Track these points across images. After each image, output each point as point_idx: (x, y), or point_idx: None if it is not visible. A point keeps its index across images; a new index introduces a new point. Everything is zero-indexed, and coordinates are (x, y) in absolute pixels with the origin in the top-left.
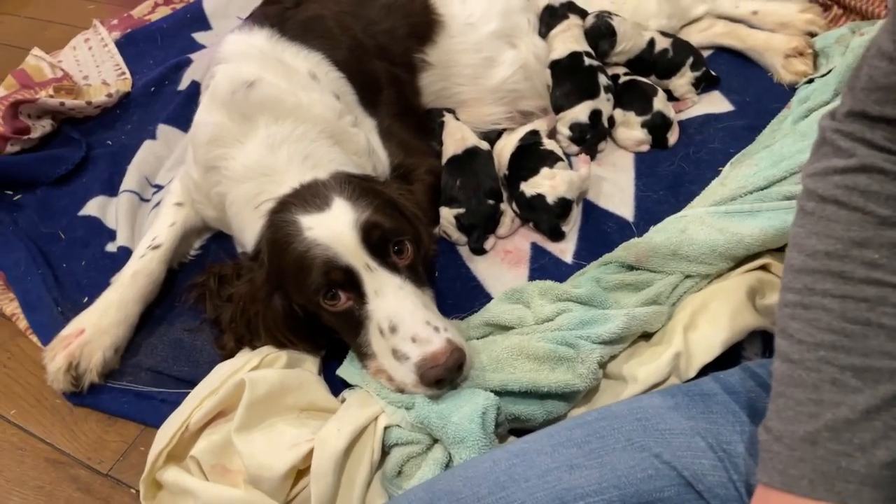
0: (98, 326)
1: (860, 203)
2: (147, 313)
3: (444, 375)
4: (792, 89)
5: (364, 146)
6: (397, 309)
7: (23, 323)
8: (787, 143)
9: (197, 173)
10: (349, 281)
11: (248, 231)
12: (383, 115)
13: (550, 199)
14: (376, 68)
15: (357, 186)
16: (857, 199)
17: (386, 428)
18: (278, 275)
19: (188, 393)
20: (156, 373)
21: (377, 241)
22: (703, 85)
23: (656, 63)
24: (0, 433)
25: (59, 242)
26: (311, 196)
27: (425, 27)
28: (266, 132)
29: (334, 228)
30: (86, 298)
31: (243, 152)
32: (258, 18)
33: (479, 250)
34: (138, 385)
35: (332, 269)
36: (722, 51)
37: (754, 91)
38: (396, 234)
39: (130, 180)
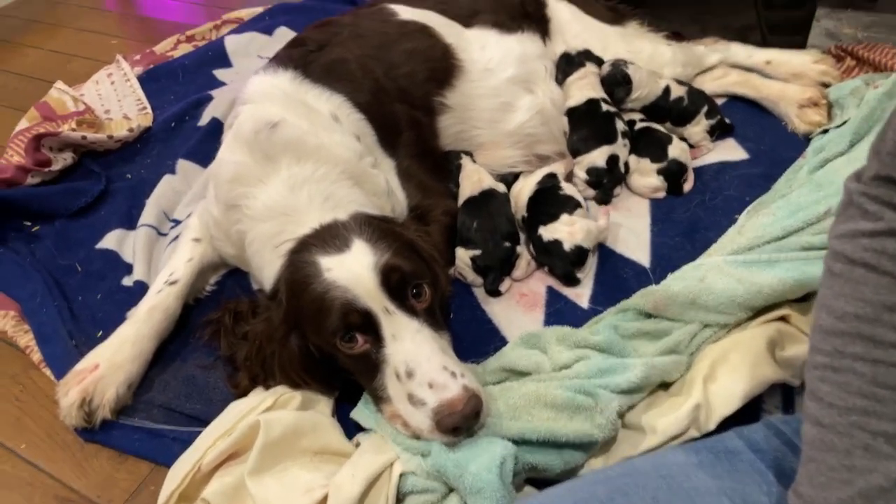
0: (113, 362)
1: (889, 267)
2: (161, 349)
3: (461, 423)
4: (806, 139)
5: (383, 187)
6: (414, 353)
7: (36, 355)
8: (804, 192)
9: (218, 211)
10: (367, 324)
11: (267, 270)
12: (402, 157)
13: (567, 246)
14: (396, 111)
15: (377, 228)
16: (886, 263)
17: (401, 475)
18: (296, 315)
19: (200, 431)
20: (168, 410)
21: (396, 285)
22: (718, 133)
23: (672, 110)
24: (10, 468)
25: (76, 275)
26: (330, 237)
27: (445, 72)
28: (288, 172)
29: (354, 270)
30: (100, 332)
31: (265, 192)
32: (282, 60)
33: (494, 292)
34: (150, 422)
35: (350, 312)
36: (736, 99)
37: (769, 140)
38: (415, 278)
39: (149, 215)
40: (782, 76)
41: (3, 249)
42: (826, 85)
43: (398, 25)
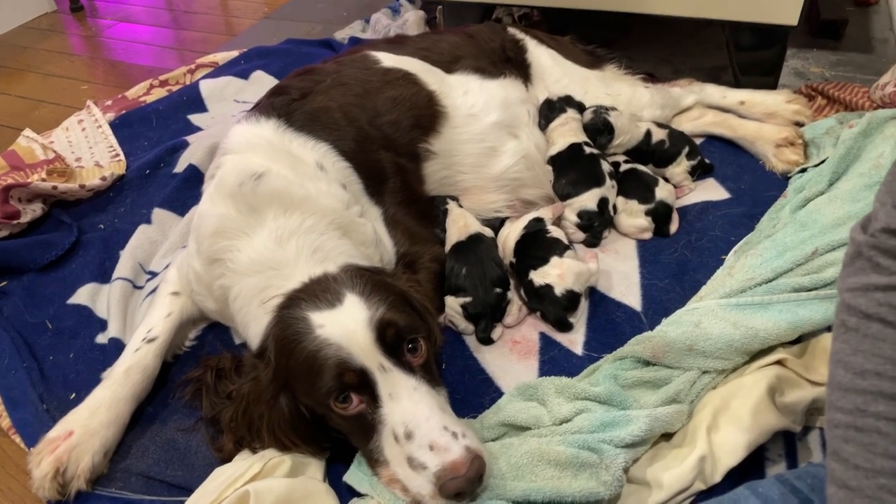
0: (87, 428)
1: None
2: (138, 411)
3: (465, 487)
4: (784, 177)
5: (371, 236)
6: (413, 413)
7: (5, 421)
8: (789, 232)
9: (199, 265)
10: (362, 383)
11: (254, 327)
12: (388, 204)
13: (558, 291)
14: (382, 158)
15: (369, 281)
16: None
17: None
18: (286, 374)
19: (183, 501)
20: (147, 478)
21: (392, 341)
22: (699, 172)
23: (654, 153)
24: None
25: (46, 333)
26: (321, 291)
27: (430, 119)
28: (274, 224)
29: (347, 327)
30: (73, 395)
31: (250, 245)
32: (265, 109)
33: (486, 340)
34: (128, 492)
35: (345, 371)
36: (713, 139)
37: (748, 179)
38: (411, 332)
39: (124, 267)
40: (757, 116)
41: None
42: (800, 124)
43: (381, 73)
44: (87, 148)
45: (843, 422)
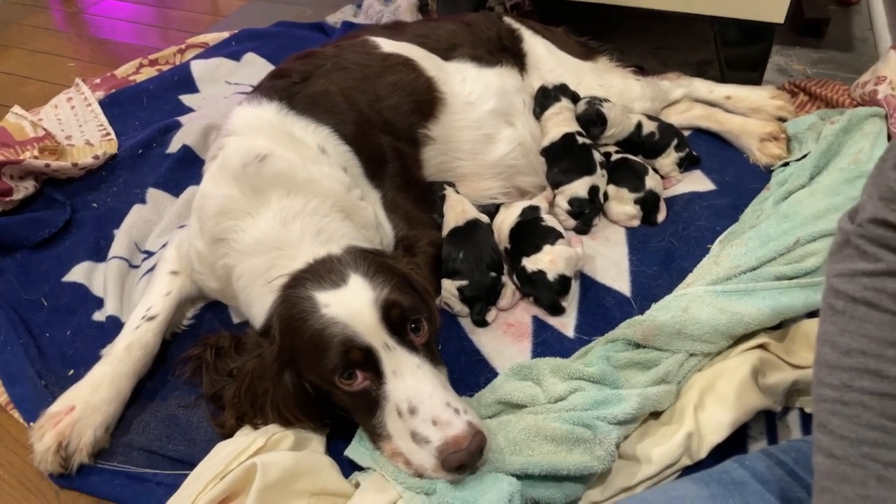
0: (89, 403)
1: (891, 306)
2: (138, 387)
3: (467, 460)
4: (767, 170)
5: (372, 219)
6: (417, 389)
7: (3, 397)
8: (772, 223)
9: (202, 244)
10: (367, 360)
11: (258, 305)
12: (387, 188)
13: (551, 276)
14: (382, 142)
15: (372, 262)
16: (887, 301)
17: None
18: (291, 352)
19: (185, 475)
20: (149, 452)
21: (396, 320)
22: (686, 164)
23: (644, 144)
24: None
25: (42, 310)
26: (326, 272)
27: (429, 104)
28: (278, 206)
29: (353, 306)
30: (71, 371)
31: (254, 226)
32: (266, 91)
33: (481, 322)
34: (130, 466)
35: (351, 349)
36: (699, 132)
37: (733, 171)
38: (414, 313)
39: (119, 246)
40: (742, 111)
41: None
42: (783, 119)
43: (381, 58)
44: (76, 126)
45: (830, 396)
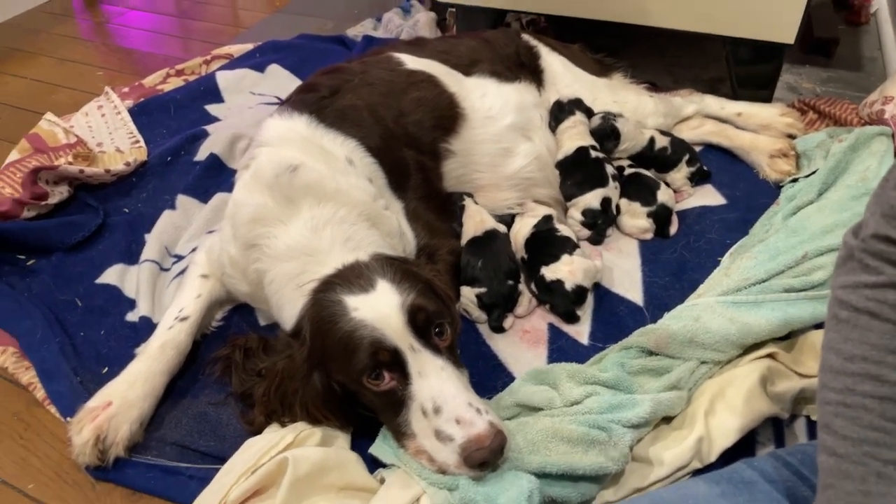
0: (125, 399)
1: (891, 315)
2: (170, 386)
3: (489, 458)
4: (777, 186)
5: (396, 228)
6: (441, 390)
7: (40, 393)
8: (781, 237)
9: (235, 249)
10: (395, 361)
11: (289, 308)
12: (410, 199)
13: (569, 286)
14: (405, 155)
15: (398, 269)
16: (888, 311)
17: None
18: (321, 353)
19: (216, 468)
20: (181, 447)
21: (421, 324)
22: (697, 179)
23: (657, 158)
24: None
25: (76, 310)
26: (354, 277)
27: (451, 120)
28: (309, 214)
29: (381, 310)
30: (105, 369)
31: (286, 233)
32: (297, 105)
33: (498, 328)
34: (164, 460)
35: (379, 350)
36: (711, 147)
37: (743, 186)
38: (438, 317)
39: (151, 250)
40: (752, 127)
41: None
42: (792, 136)
43: (406, 74)
44: (107, 133)
45: (833, 400)
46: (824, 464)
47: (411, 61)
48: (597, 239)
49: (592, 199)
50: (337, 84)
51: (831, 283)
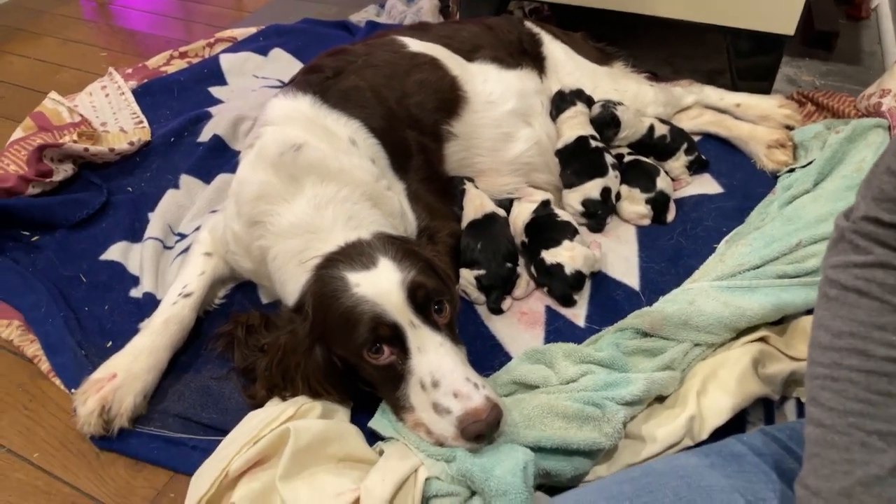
0: (130, 371)
1: (879, 293)
2: (173, 360)
3: (485, 430)
4: (774, 176)
5: (397, 209)
6: (439, 364)
7: (45, 365)
8: (777, 225)
9: (239, 226)
10: (394, 336)
11: (291, 284)
12: (411, 180)
13: (568, 270)
14: (407, 137)
15: (399, 247)
16: (876, 290)
17: (426, 479)
18: (322, 327)
19: (219, 440)
20: (184, 419)
21: (421, 301)
22: (695, 168)
23: (656, 146)
24: (23, 476)
25: (80, 286)
26: (356, 254)
27: (452, 102)
28: (312, 192)
29: (381, 286)
30: (109, 343)
31: (290, 210)
32: (301, 85)
33: (496, 310)
34: (167, 431)
35: (379, 325)
36: (710, 137)
37: (740, 175)
38: (437, 295)
39: (154, 228)
40: (751, 118)
41: (1, 258)
42: (790, 127)
43: (409, 57)
44: (111, 113)
45: (821, 374)
46: (811, 435)
47: (414, 44)
48: (596, 227)
49: (592, 188)
50: (341, 65)
51: (822, 264)
